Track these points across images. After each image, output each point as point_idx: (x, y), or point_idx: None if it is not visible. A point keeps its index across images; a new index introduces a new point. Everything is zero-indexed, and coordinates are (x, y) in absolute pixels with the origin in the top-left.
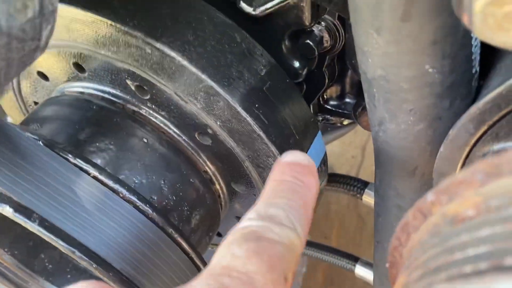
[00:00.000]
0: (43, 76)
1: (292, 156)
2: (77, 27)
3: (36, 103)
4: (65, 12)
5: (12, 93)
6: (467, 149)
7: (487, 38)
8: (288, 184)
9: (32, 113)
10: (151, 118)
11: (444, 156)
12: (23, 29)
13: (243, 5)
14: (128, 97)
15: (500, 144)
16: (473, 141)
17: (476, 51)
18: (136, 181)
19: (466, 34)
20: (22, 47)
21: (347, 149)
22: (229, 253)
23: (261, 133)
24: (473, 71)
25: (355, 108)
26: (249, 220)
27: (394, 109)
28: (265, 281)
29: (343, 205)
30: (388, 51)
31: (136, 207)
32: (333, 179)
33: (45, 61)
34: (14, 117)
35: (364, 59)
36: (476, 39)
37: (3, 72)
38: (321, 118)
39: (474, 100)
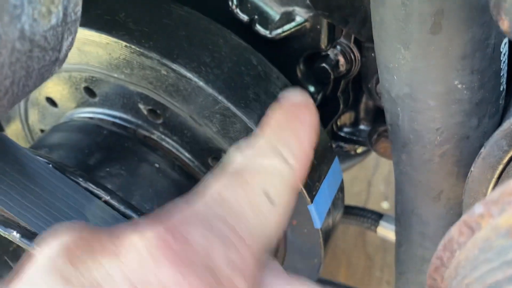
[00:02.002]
0: (51, 102)
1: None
2: (90, 49)
3: (42, 130)
4: (78, 34)
5: (19, 121)
6: (500, 168)
7: None
8: (273, 121)
9: (40, 139)
10: (163, 143)
11: (476, 175)
12: (45, 36)
13: (259, 28)
14: (139, 122)
15: None
16: (506, 159)
17: (504, 67)
18: (147, 208)
19: (496, 49)
20: (42, 57)
21: (352, 183)
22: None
23: None
24: (501, 88)
25: (370, 135)
26: (234, 156)
27: (420, 128)
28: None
29: (350, 244)
30: (416, 66)
31: None
32: (345, 211)
33: (55, 87)
34: None
35: (389, 76)
36: (504, 55)
37: (22, 83)
38: (334, 146)
39: (501, 119)
